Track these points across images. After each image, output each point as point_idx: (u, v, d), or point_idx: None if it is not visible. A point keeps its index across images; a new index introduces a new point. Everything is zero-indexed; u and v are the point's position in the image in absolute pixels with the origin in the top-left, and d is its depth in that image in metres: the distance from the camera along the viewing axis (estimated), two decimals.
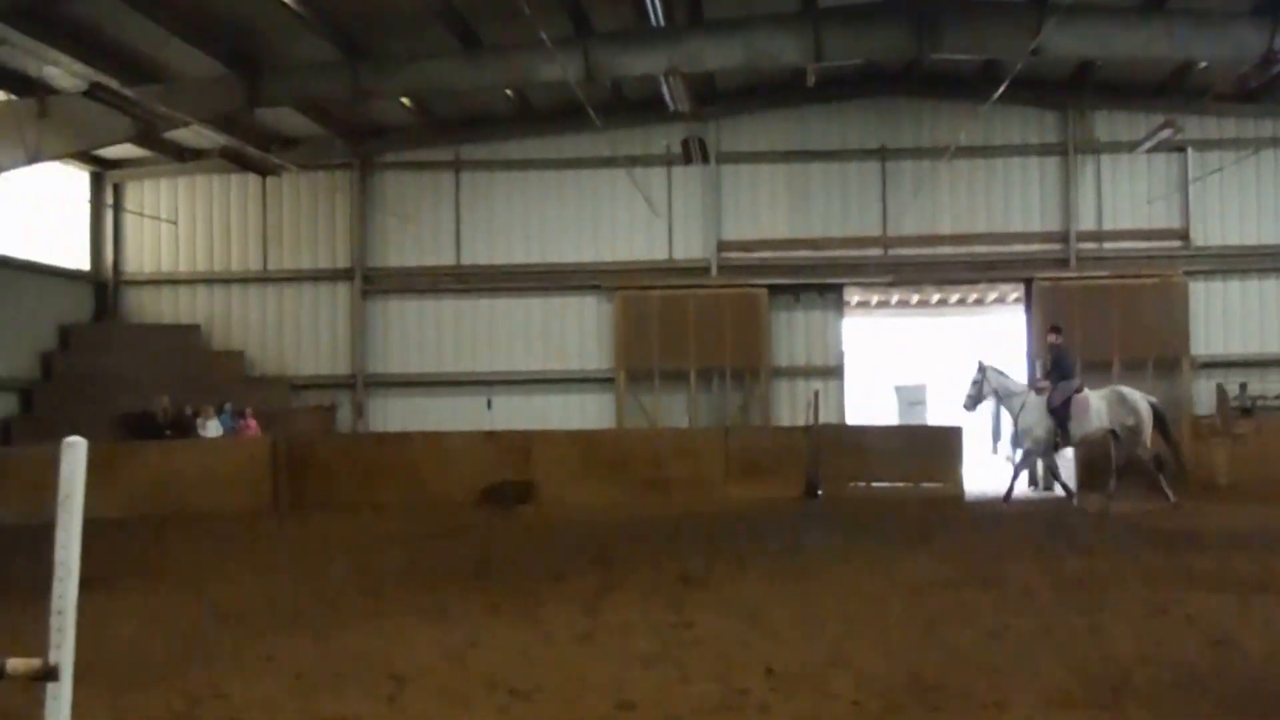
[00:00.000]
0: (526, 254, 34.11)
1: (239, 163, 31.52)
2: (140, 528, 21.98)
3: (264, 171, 32.21)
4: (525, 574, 16.84)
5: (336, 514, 25.54)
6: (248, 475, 27.84)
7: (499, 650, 11.64)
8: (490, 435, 29.25)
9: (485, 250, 34.21)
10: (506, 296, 34.10)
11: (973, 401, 23.95)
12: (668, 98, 27.20)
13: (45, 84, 25.51)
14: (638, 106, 32.21)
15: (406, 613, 13.79)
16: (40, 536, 16.02)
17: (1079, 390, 23.89)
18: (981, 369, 24.11)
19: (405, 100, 30.95)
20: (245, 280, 34.78)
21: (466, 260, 34.24)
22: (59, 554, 8.09)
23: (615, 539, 20.62)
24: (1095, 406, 23.48)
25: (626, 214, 33.81)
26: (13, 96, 26.84)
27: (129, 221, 35.07)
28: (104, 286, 34.85)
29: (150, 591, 15.56)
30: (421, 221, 34.35)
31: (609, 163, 33.08)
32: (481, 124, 33.76)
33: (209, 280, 34.88)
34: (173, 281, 35.02)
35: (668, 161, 33.40)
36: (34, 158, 27.73)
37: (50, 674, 8.01)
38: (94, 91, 24.13)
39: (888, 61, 30.81)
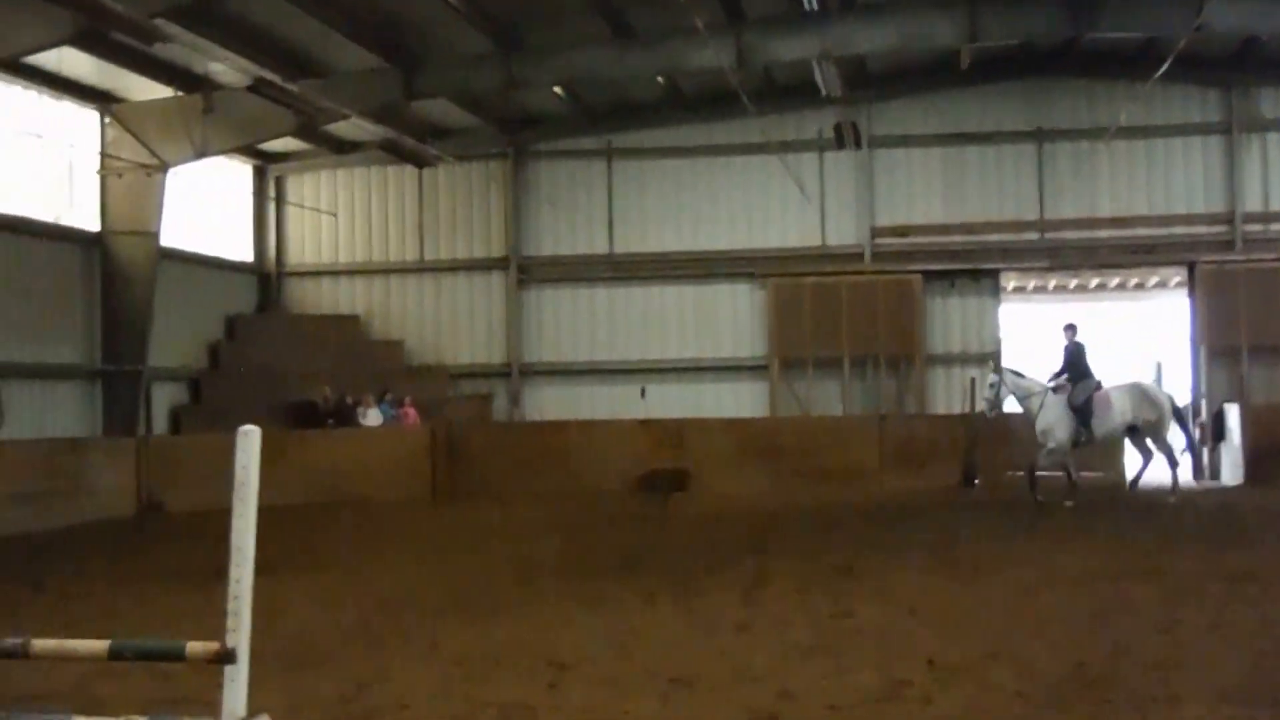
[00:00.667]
0: (679, 241, 34.10)
1: (396, 154, 31.91)
2: (304, 515, 22.39)
3: (420, 163, 32.58)
4: (681, 563, 16.85)
5: (492, 502, 25.78)
6: (407, 464, 28.22)
7: (657, 639, 11.66)
8: (644, 423, 29.32)
9: (638, 238, 34.27)
10: (659, 284, 34.13)
11: (991, 405, 23.24)
12: (820, 82, 27.01)
13: (211, 80, 26.07)
14: (789, 91, 32.01)
15: (564, 601, 13.88)
16: (209, 522, 16.50)
17: (1098, 388, 23.41)
18: (998, 371, 23.70)
19: (558, 89, 31.10)
20: (403, 271, 35.22)
21: (619, 248, 34.33)
22: (234, 540, 8.25)
23: (770, 528, 20.56)
24: (1117, 402, 23.06)
25: (779, 200, 33.64)
26: (180, 93, 27.47)
27: (290, 214, 35.71)
28: (267, 278, 35.53)
29: (316, 577, 15.84)
30: (574, 210, 34.50)
31: (761, 149, 32.93)
32: (633, 111, 33.81)
33: (367, 271, 35.38)
34: (333, 272, 35.59)
35: (820, 146, 33.16)
36: (201, 152, 28.41)
37: (227, 657, 8.17)
38: (257, 87, 24.60)
39: (1044, 41, 30.25)
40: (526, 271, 34.60)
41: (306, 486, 25.41)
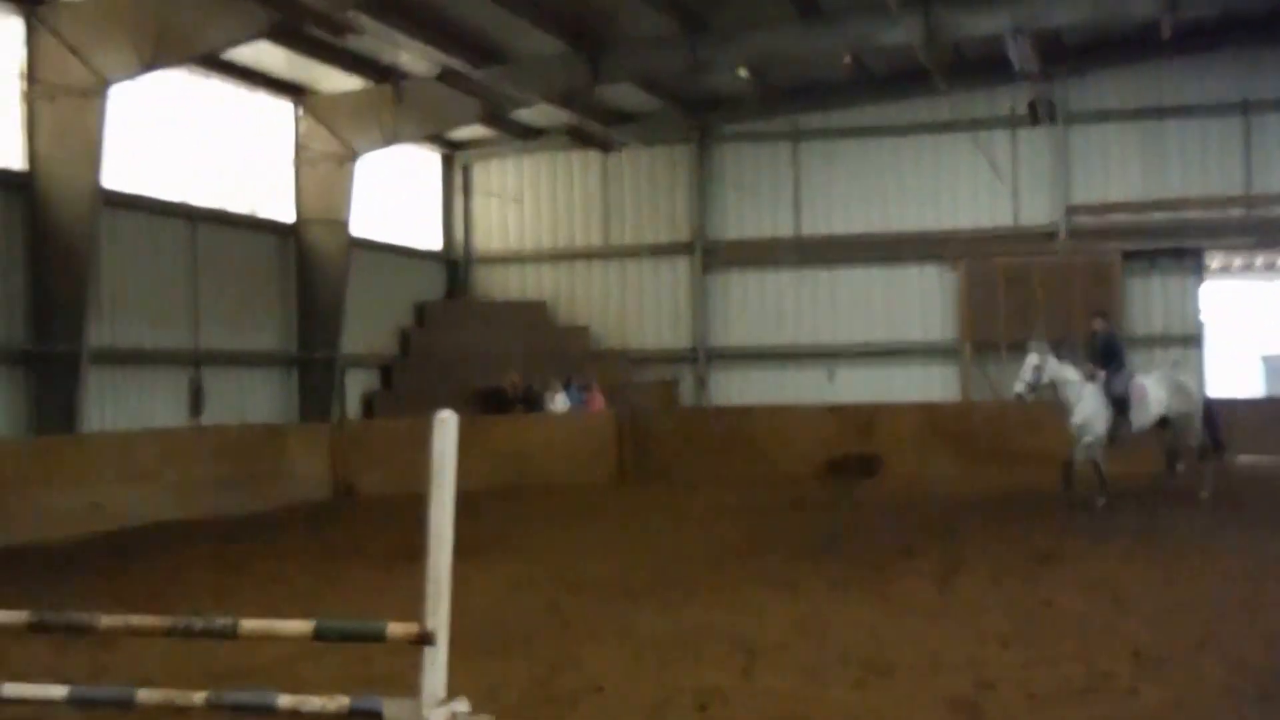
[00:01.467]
0: (867, 223, 33.69)
1: (581, 140, 32.05)
2: (492, 500, 22.57)
3: (605, 147, 32.67)
4: (872, 548, 16.66)
5: (679, 487, 25.73)
6: (593, 448, 28.32)
7: (850, 625, 11.53)
8: (832, 408, 29.04)
9: (824, 220, 33.96)
10: (846, 267, 33.77)
11: (1030, 388, 20.64)
12: (1013, 57, 26.47)
13: (400, 70, 26.41)
14: (980, 67, 31.38)
15: (754, 586, 13.78)
16: (401, 506, 16.67)
17: (1131, 377, 21.60)
18: (1042, 354, 20.96)
19: (742, 71, 30.91)
20: (588, 256, 35.37)
21: (806, 231, 34.05)
22: (432, 525, 8.32)
23: (963, 514, 20.22)
24: (1154, 393, 21.24)
25: (969, 180, 33.05)
26: (370, 83, 27.89)
27: (477, 201, 36.07)
28: (455, 265, 35.97)
29: (506, 561, 15.93)
30: (760, 193, 34.31)
31: (950, 127, 32.39)
32: (819, 92, 33.46)
33: (553, 257, 35.60)
34: (519, 259, 35.89)
35: (1012, 124, 32.42)
36: (390, 142, 28.86)
37: (427, 639, 8.25)
38: (445, 75, 24.85)
39: (1250, 8, 29.17)
40: (712, 255, 34.50)
41: (494, 471, 25.62)
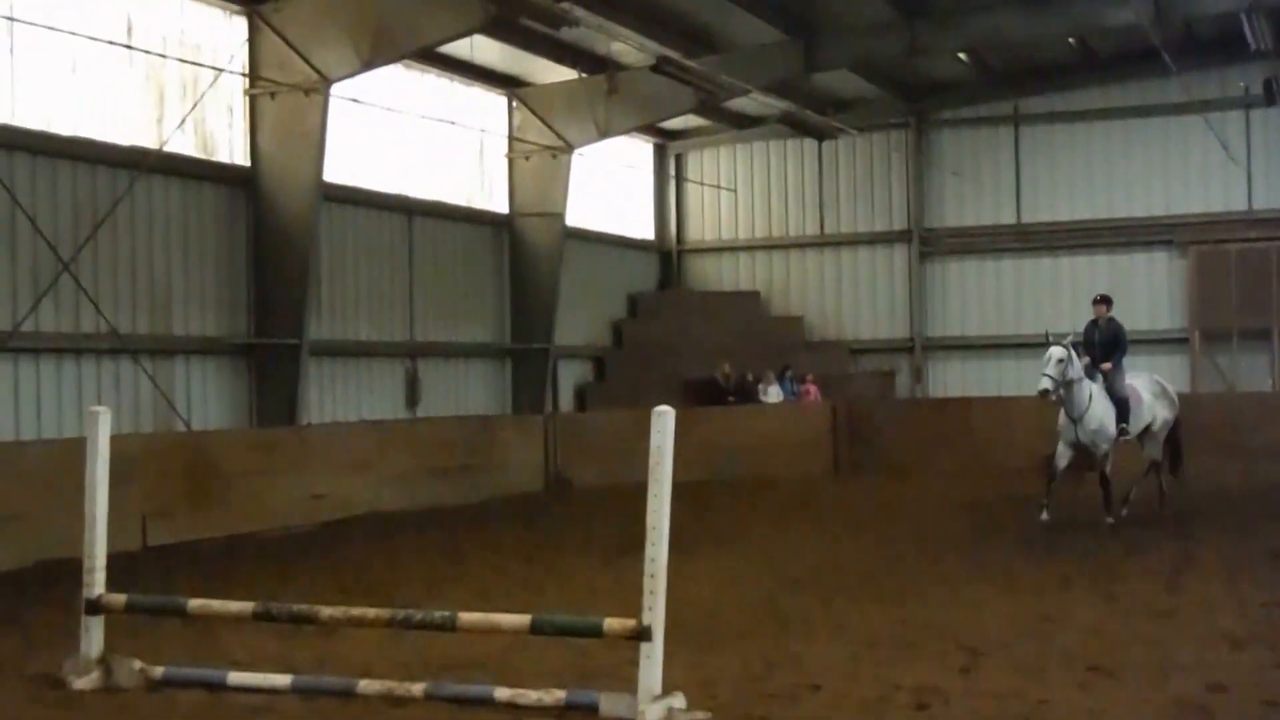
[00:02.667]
0: (1091, 209, 32.80)
1: (796, 128, 31.79)
2: (707, 492, 22.49)
3: (820, 135, 32.37)
4: (1097, 545, 16.27)
5: (896, 480, 25.39)
6: (809, 440, 28.08)
7: (1074, 624, 11.23)
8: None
9: (1047, 207, 33.16)
10: (1069, 254, 32.93)
11: (1057, 385, 17.64)
12: (1249, 35, 25.51)
13: (614, 61, 26.46)
14: (1212, 46, 30.30)
15: (974, 582, 13.53)
16: (614, 498, 16.69)
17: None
18: (1069, 347, 17.88)
19: (961, 55, 30.37)
20: (802, 245, 35.11)
21: (1027, 218, 33.30)
22: (650, 518, 8.25)
23: (1193, 510, 19.56)
24: (1145, 397, 18.90)
25: (1200, 163, 31.93)
26: (584, 75, 28.00)
27: (690, 191, 36.07)
28: (668, 255, 36.02)
29: (722, 554, 15.83)
30: (980, 179, 33.66)
31: (1180, 109, 31.35)
32: (1041, 75, 32.67)
33: (767, 246, 35.41)
34: (732, 249, 35.79)
35: (1246, 104, 31.25)
36: (604, 133, 28.95)
37: (644, 634, 8.20)
38: (660, 65, 24.81)
39: None
40: (930, 244, 33.98)
41: (709, 464, 25.51)
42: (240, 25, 22.45)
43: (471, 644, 10.03)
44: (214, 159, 22.39)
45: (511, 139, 29.32)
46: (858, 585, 13.53)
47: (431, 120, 27.10)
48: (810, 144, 33.97)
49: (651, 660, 8.19)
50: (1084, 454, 18.33)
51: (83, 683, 9.25)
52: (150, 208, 21.12)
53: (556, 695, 8.50)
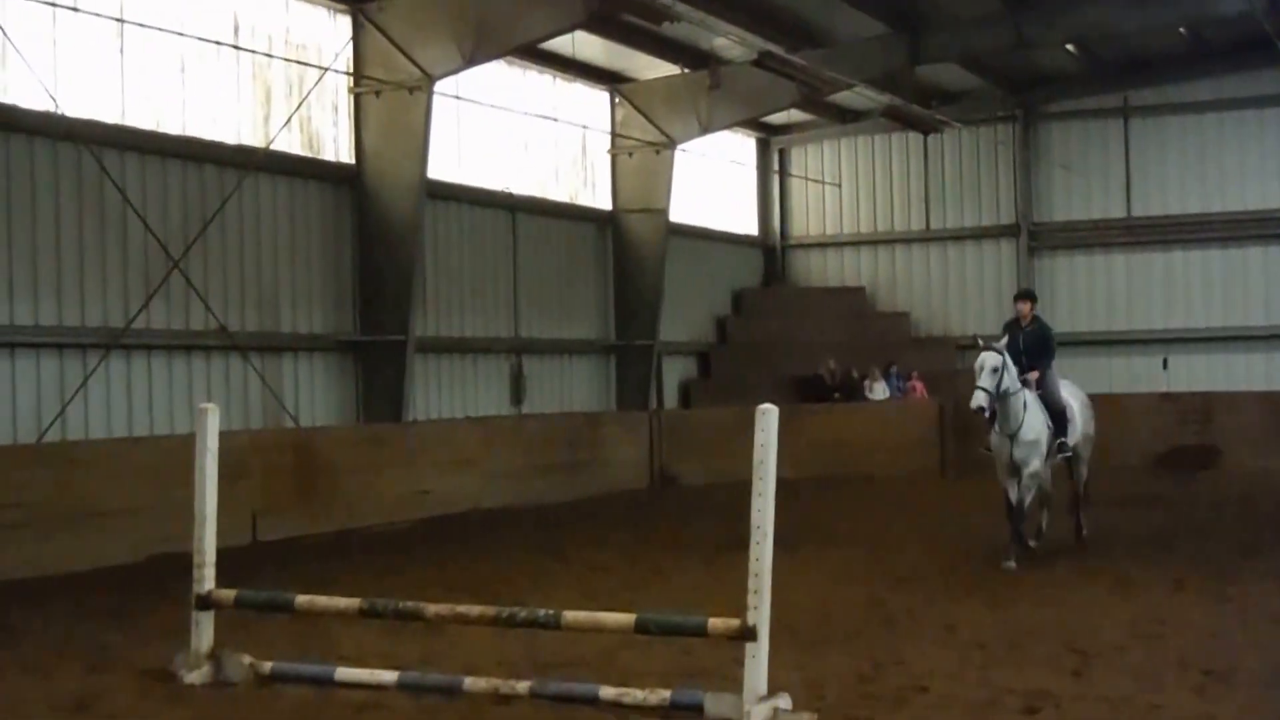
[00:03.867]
0: (1203, 203, 32.19)
1: (900, 122, 31.50)
2: (813, 489, 22.36)
3: (925, 129, 32.06)
4: (1211, 547, 16.03)
5: None
6: (915, 438, 27.81)
7: (1188, 628, 11.07)
8: (1167, 396, 27.97)
9: (1158, 200, 32.59)
10: (1181, 248, 32.35)
11: (991, 400, 14.94)
12: None
13: (716, 56, 26.37)
14: None
15: (1085, 585, 13.40)
16: (719, 495, 16.62)
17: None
18: (1004, 353, 15.18)
19: (1069, 47, 29.95)
20: (907, 240, 34.83)
21: (1137, 211, 32.75)
22: (755, 517, 8.19)
23: None
24: (1076, 408, 16.44)
25: None
26: (686, 70, 27.96)
27: (794, 186, 35.90)
28: (772, 251, 35.87)
29: (828, 553, 15.73)
30: (1088, 173, 33.14)
31: None
32: (1151, 66, 32.14)
33: (872, 242, 35.17)
34: (836, 244, 35.58)
35: None
36: (706, 128, 28.90)
37: (749, 634, 8.14)
38: (762, 60, 24.70)
39: None
40: (1037, 238, 33.54)
41: (814, 461, 25.34)
42: (345, 24, 22.62)
43: (576, 642, 10.03)
44: (319, 157, 22.59)
45: (614, 135, 29.34)
46: (966, 586, 13.42)
47: (534, 117, 27.18)
48: (915, 138, 33.64)
49: (756, 660, 8.14)
50: (1013, 472, 15.42)
51: (193, 677, 9.39)
52: (257, 206, 21.35)
53: (661, 694, 8.46)
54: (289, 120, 21.48)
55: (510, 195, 26.65)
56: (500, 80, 26.27)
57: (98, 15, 18.88)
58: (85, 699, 9.03)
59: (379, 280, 22.76)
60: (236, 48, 20.95)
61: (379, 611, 9.59)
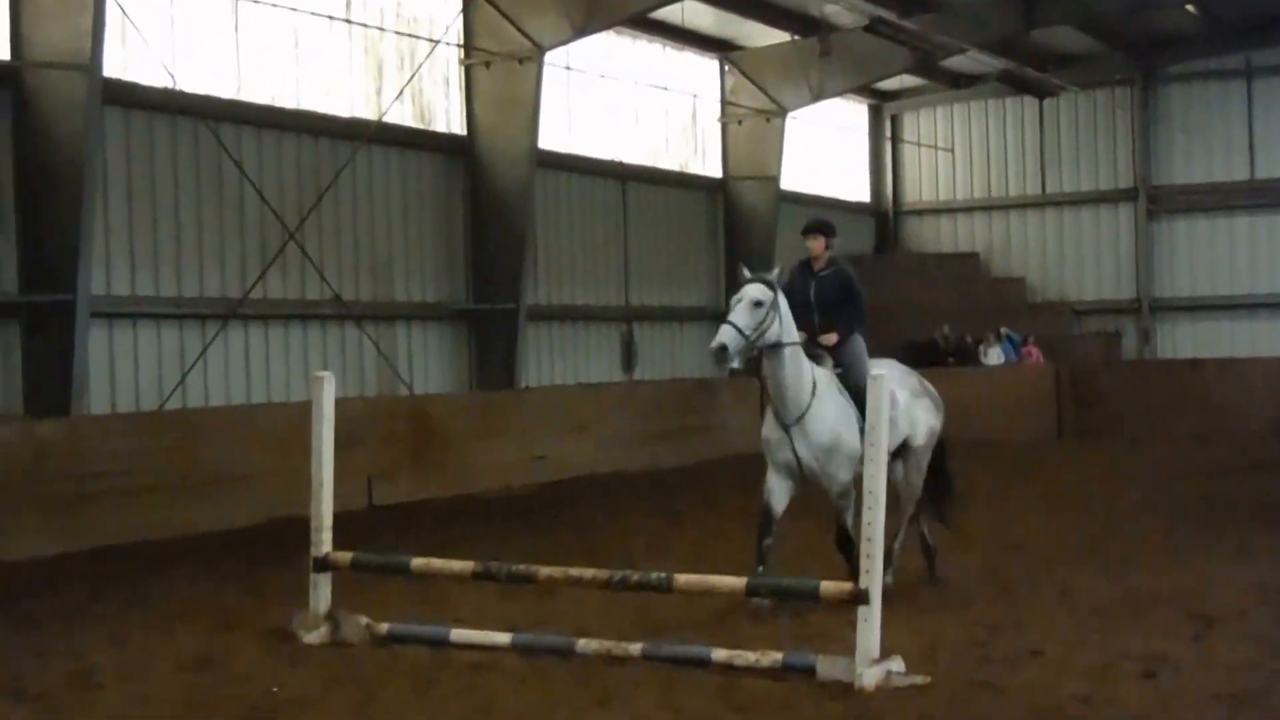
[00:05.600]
0: None
1: (1015, 86, 31.17)
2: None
3: (1041, 93, 31.67)
4: None
5: (1122, 445, 24.74)
6: (1030, 403, 27.53)
7: None
8: None
9: None
10: None
11: (747, 346, 10.81)
12: None
13: (827, 22, 26.21)
14: None
15: (1206, 551, 13.10)
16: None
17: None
18: (774, 287, 10.98)
19: (1190, 7, 29.38)
20: (1022, 205, 34.47)
21: (1261, 174, 32.16)
22: (867, 483, 8.18)
23: None
24: (903, 397, 11.76)
25: None
26: (797, 37, 27.81)
27: (906, 152, 35.65)
28: (884, 217, 35.65)
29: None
30: (1210, 135, 32.59)
31: None
32: (1273, 26, 31.38)
33: (986, 207, 34.85)
34: (950, 210, 35.30)
35: None
36: (817, 95, 28.74)
37: (861, 598, 8.13)
38: (874, 26, 24.50)
39: None
40: (1157, 202, 33.03)
41: None
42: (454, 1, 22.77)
43: (688, 605, 10.06)
44: (431, 129, 22.78)
45: (724, 103, 29.26)
46: (1083, 551, 13.23)
47: (644, 86, 27.16)
48: (1030, 102, 33.25)
49: (869, 624, 8.12)
50: (813, 483, 11.07)
51: (312, 637, 9.53)
52: (371, 177, 21.57)
53: (773, 657, 8.46)
54: (401, 93, 21.65)
55: (621, 164, 26.69)
56: (610, 50, 26.28)
57: None
58: (209, 658, 9.22)
59: (491, 249, 22.91)
60: (349, 22, 21.15)
61: (493, 574, 9.67)
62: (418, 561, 9.92)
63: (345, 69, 21.30)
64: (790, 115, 29.19)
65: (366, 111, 21.43)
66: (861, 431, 10.03)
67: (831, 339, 11.35)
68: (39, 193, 16.42)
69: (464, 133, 23.03)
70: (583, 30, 22.47)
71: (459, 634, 9.37)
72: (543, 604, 10.63)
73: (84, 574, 12.91)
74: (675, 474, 21.80)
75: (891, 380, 10.64)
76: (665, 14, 25.81)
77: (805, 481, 11.00)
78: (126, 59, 17.92)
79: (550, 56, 22.77)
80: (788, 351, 10.79)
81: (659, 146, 28.07)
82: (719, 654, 8.59)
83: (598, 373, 25.77)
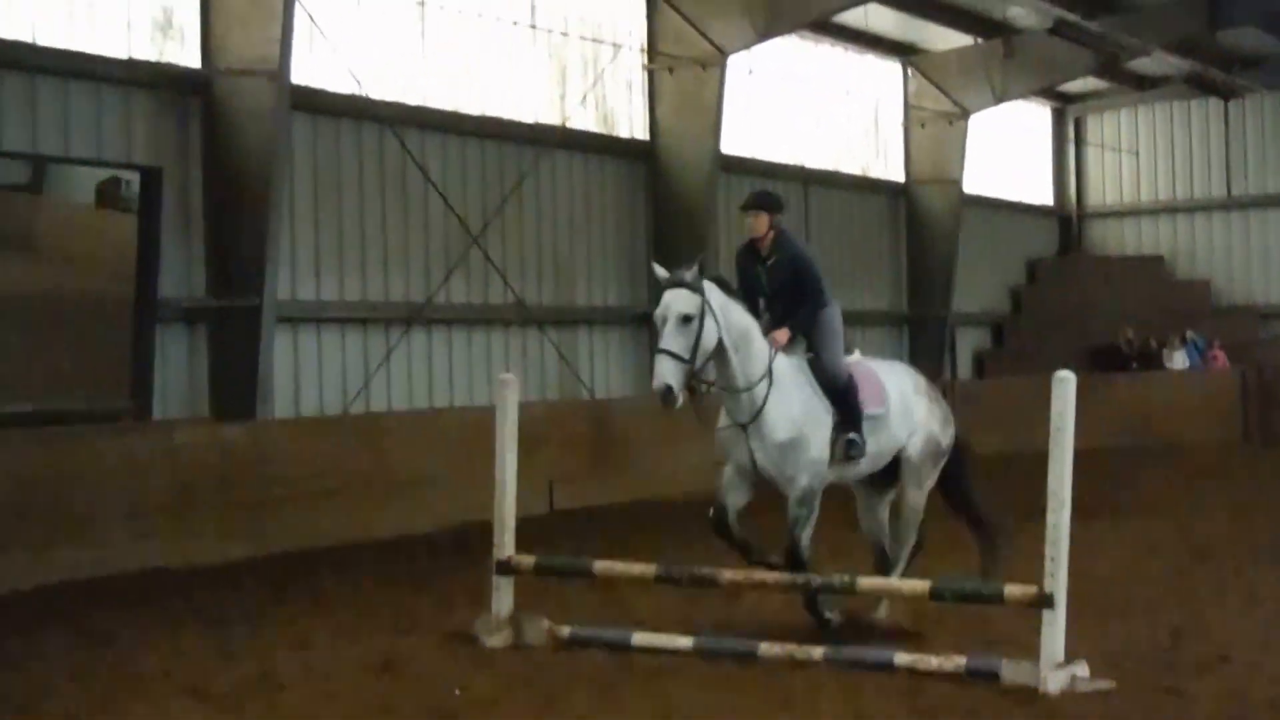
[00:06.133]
0: None
1: (1200, 88, 30.55)
2: (1111, 459, 21.82)
3: (1227, 95, 31.00)
4: None
5: None
6: (1216, 408, 26.89)
7: None
8: None
9: None
10: None
11: (685, 373, 9.32)
12: None
13: (1010, 25, 25.97)
14: None
15: None
16: (1013, 466, 16.29)
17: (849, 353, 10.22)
18: (725, 288, 9.68)
19: None
20: (1208, 208, 33.73)
21: None
22: (1051, 485, 8.11)
23: None
24: (894, 392, 10.12)
25: None
26: (979, 40, 27.59)
27: (1090, 154, 35.09)
28: (1067, 220, 35.19)
29: (1127, 523, 15.36)
30: None
31: None
32: None
33: (1171, 210, 34.17)
34: (1134, 212, 34.68)
35: None
36: (1000, 98, 28.49)
37: (1045, 601, 8.08)
38: (1057, 28, 24.22)
39: None
40: None
41: (1112, 430, 24.68)
42: (639, 2, 22.94)
43: (871, 609, 10.03)
44: (614, 134, 22.97)
45: (907, 106, 29.12)
46: (1272, 555, 12.90)
47: (825, 89, 27.12)
48: (1215, 103, 32.56)
49: (1054, 628, 8.05)
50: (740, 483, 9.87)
51: (494, 640, 9.57)
52: (554, 183, 21.83)
53: (957, 661, 8.43)
54: (584, 98, 21.88)
55: (802, 168, 26.68)
56: (792, 53, 26.27)
57: (400, 0, 19.55)
58: (392, 661, 9.30)
59: (671, 254, 22.95)
60: (534, 28, 21.43)
61: (675, 577, 9.71)
62: (600, 564, 9.96)
63: (529, 74, 21.57)
64: (972, 118, 28.94)
65: (550, 117, 21.69)
66: (841, 428, 9.51)
67: (782, 337, 9.75)
68: (228, 199, 16.80)
69: (646, 137, 23.21)
70: (765, 34, 22.56)
71: (641, 637, 9.41)
72: (725, 609, 10.66)
73: (268, 577, 13.15)
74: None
75: (881, 368, 10.19)
76: (847, 17, 25.76)
77: (762, 484, 9.75)
78: (314, 65, 18.28)
79: (732, 60, 22.85)
80: (731, 348, 9.45)
81: (840, 150, 28.00)
82: (902, 658, 8.58)
83: None
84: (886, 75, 29.00)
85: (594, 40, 22.27)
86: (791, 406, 9.54)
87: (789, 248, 10.03)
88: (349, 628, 10.59)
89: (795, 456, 9.53)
